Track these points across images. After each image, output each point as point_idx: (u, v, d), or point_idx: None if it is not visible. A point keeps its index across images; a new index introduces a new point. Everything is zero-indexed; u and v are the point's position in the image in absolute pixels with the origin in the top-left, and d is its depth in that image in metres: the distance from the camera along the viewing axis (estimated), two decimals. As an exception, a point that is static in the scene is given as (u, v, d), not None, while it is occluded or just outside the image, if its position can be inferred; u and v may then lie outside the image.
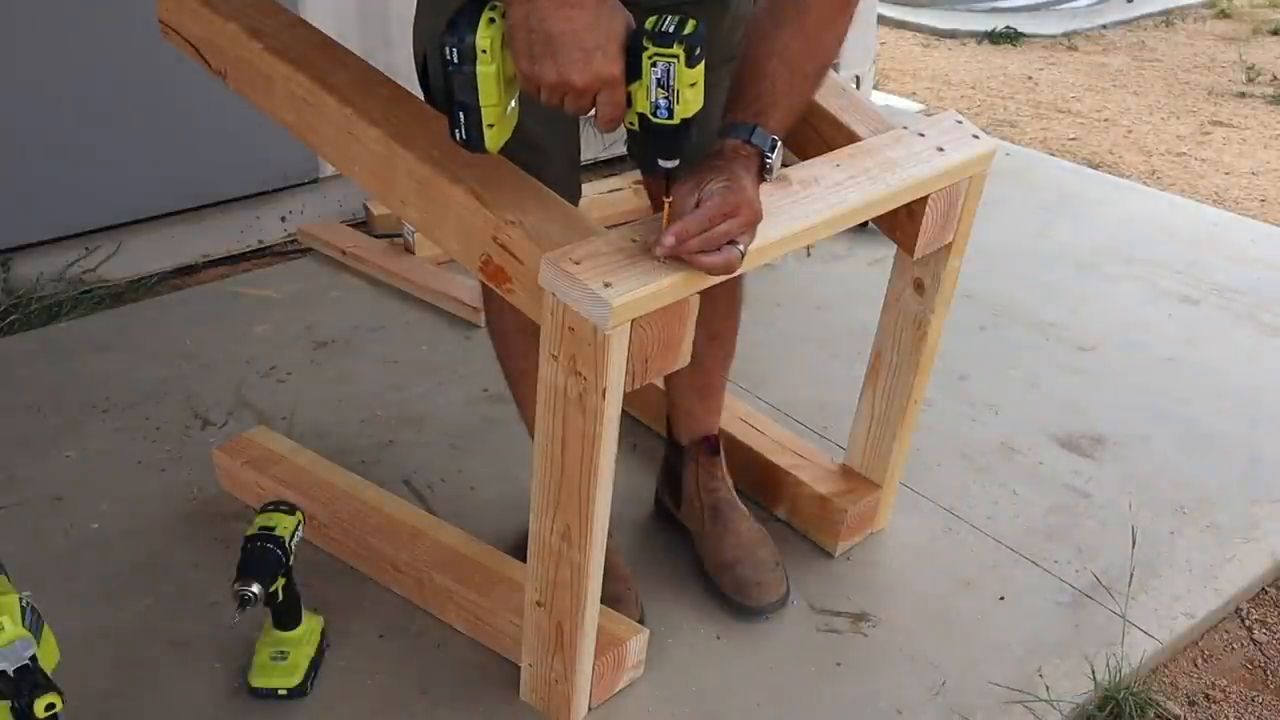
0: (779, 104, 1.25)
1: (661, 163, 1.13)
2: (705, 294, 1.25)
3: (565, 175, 1.47)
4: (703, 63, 1.06)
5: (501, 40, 1.07)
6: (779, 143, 1.25)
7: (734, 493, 1.81)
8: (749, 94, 1.26)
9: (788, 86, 1.26)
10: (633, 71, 1.07)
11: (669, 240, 1.14)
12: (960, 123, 1.58)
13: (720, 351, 1.76)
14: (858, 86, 4.00)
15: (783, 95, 1.25)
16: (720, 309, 1.68)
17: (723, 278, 1.20)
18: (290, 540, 1.50)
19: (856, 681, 1.61)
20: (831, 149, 1.50)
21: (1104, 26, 5.70)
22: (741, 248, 1.18)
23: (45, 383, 2.22)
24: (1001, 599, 1.77)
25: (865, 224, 1.41)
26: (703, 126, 1.13)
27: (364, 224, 2.92)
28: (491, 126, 1.12)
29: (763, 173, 1.24)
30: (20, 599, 1.17)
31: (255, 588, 1.43)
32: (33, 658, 1.15)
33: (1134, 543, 1.86)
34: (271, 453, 1.87)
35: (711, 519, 1.77)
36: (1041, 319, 2.61)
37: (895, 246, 1.62)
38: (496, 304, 1.55)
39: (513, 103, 1.14)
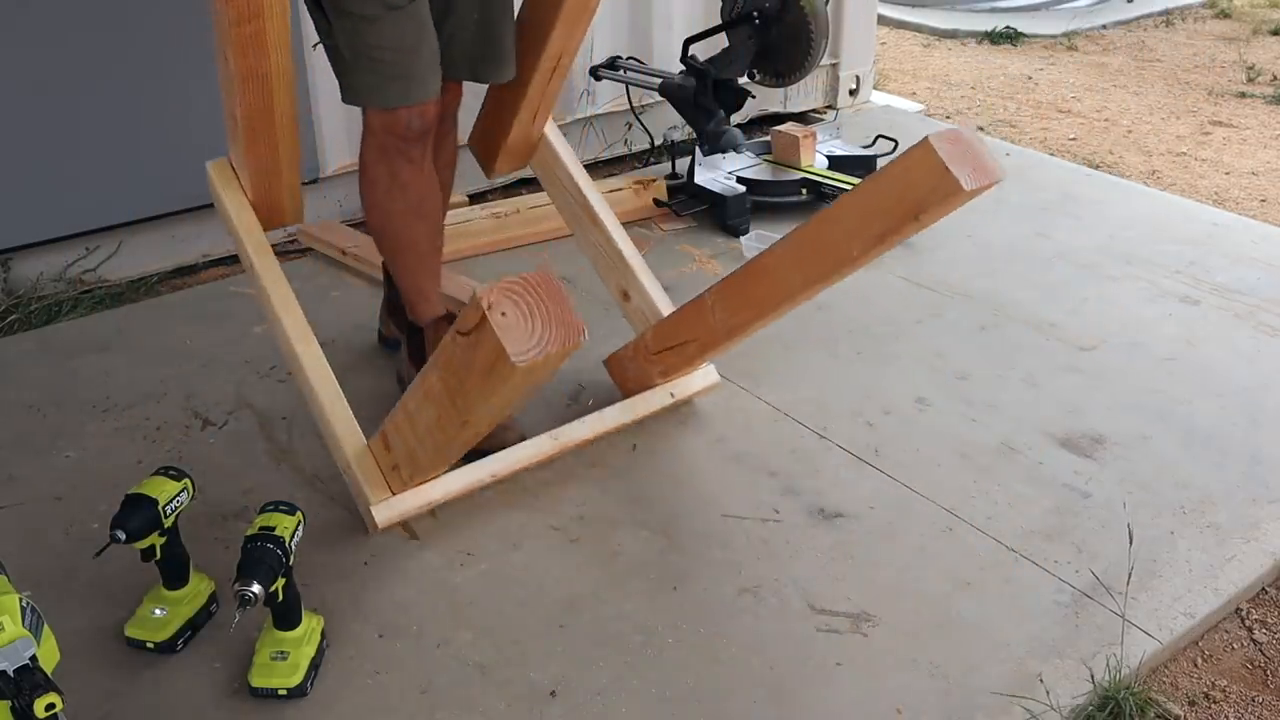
0: None
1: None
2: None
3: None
4: None
5: None
6: None
7: None
8: None
9: None
10: None
11: None
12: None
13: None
14: (858, 87, 4.00)
15: None
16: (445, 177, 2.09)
17: None
18: (290, 540, 1.50)
19: (856, 681, 1.60)
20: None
21: (1104, 26, 5.70)
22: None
23: (45, 383, 2.22)
24: (1002, 599, 1.77)
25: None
26: None
27: (364, 224, 2.92)
28: None
29: None
30: (20, 599, 1.17)
31: (255, 588, 1.43)
32: (33, 658, 1.15)
33: (1133, 542, 1.86)
34: None
35: None
36: (1041, 319, 2.60)
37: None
38: (385, 182, 1.92)
39: None
